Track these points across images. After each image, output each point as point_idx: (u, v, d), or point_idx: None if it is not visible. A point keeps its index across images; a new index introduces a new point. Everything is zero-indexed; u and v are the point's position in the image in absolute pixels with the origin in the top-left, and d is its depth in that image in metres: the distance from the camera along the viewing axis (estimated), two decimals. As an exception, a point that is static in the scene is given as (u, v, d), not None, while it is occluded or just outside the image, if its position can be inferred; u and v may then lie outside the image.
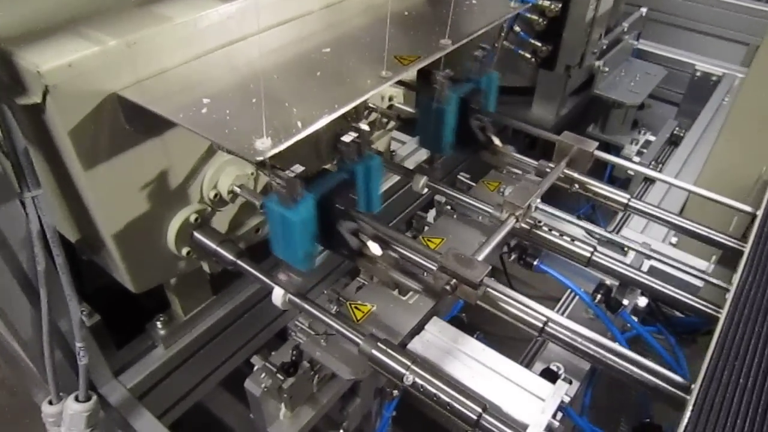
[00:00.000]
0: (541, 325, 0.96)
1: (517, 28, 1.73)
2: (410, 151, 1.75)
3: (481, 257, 0.92)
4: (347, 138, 0.94)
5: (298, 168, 0.86)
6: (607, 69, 1.90)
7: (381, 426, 1.60)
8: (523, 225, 1.12)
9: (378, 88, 0.89)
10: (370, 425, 1.60)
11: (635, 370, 0.89)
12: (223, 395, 1.97)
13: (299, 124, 0.80)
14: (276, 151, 0.74)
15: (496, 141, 1.22)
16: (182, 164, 1.06)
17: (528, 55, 1.75)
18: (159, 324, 1.24)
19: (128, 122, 0.93)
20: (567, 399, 0.92)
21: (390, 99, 1.44)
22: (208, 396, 1.96)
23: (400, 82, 1.32)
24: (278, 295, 0.99)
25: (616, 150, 2.12)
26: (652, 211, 1.20)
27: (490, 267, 0.86)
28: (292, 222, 0.87)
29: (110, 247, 1.02)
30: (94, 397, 1.06)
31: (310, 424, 1.30)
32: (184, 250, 1.12)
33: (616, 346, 0.93)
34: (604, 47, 1.91)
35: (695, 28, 2.74)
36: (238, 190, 1.12)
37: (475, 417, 0.83)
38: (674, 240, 1.57)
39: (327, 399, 1.31)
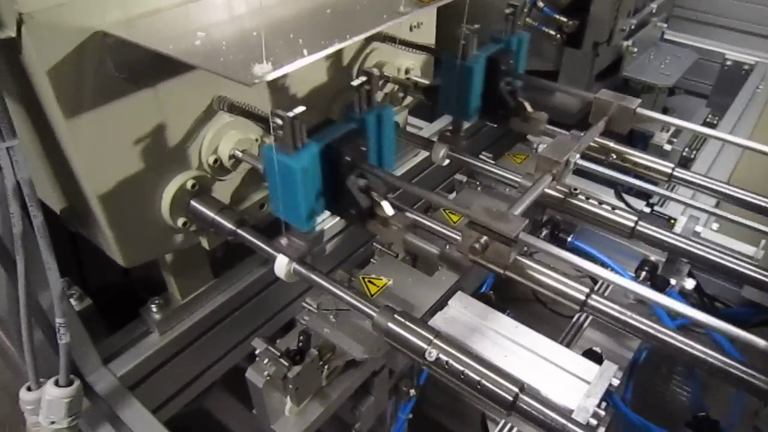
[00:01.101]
0: (583, 297, 0.83)
1: (540, 3, 1.63)
2: (428, 135, 1.65)
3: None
4: (356, 82, 0.83)
5: (300, 109, 0.75)
6: (636, 50, 1.79)
7: (396, 429, 1.46)
8: (557, 192, 1.00)
9: (395, 20, 0.78)
10: (385, 428, 1.47)
11: (700, 347, 0.76)
12: (226, 399, 1.85)
13: (305, 51, 0.69)
14: (278, 74, 0.64)
15: (528, 106, 1.10)
16: (178, 122, 0.96)
17: (552, 32, 1.64)
18: (154, 307, 1.13)
19: (117, 68, 0.83)
20: (616, 382, 0.79)
21: (407, 71, 1.34)
22: (210, 398, 1.85)
23: (421, 48, 1.21)
24: (281, 265, 0.88)
25: (644, 139, 2.00)
26: (699, 181, 1.07)
27: (527, 221, 0.74)
28: (292, 170, 0.76)
29: (97, 212, 0.92)
30: (77, 382, 0.94)
31: (319, 422, 1.17)
32: (180, 221, 1.01)
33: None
34: (632, 27, 1.80)
35: (722, 23, 2.64)
36: (240, 154, 1.02)
37: (510, 398, 0.70)
38: (715, 226, 1.43)
39: (337, 394, 1.18)
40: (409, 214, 0.86)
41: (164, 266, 1.12)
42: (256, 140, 1.06)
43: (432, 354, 0.74)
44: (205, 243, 1.09)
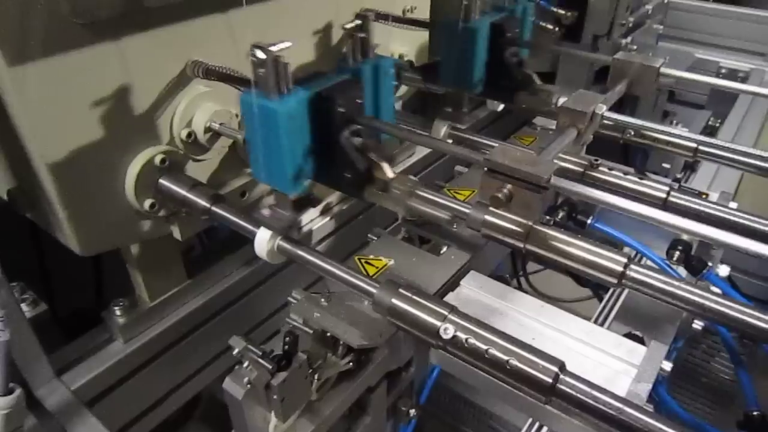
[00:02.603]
0: (621, 268, 0.70)
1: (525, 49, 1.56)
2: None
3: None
4: (349, 25, 0.72)
5: (285, 44, 0.64)
6: (635, 47, 1.72)
7: (396, 454, 1.30)
8: (576, 165, 0.89)
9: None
10: (383, 453, 1.31)
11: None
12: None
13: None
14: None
15: (536, 78, 1.00)
16: (145, 87, 0.84)
17: (550, 26, 1.57)
18: (117, 310, 0.98)
19: (73, 11, 0.72)
20: (668, 366, 0.66)
21: (400, 58, 1.24)
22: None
23: (416, 23, 1.11)
24: (263, 241, 0.75)
25: (643, 156, 1.92)
26: (726, 153, 0.96)
27: (558, 165, 0.62)
28: (275, 115, 0.64)
29: (47, 187, 0.79)
30: (18, 391, 0.78)
31: (309, 443, 1.01)
32: (147, 202, 0.88)
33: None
34: (630, 25, 1.74)
35: (714, 42, 2.61)
36: (216, 126, 0.90)
37: (549, 379, 0.56)
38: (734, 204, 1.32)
39: (330, 411, 1.03)
40: (411, 177, 0.74)
41: (130, 261, 0.98)
42: (236, 115, 0.94)
43: (448, 331, 0.60)
44: (176, 233, 0.96)
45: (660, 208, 0.87)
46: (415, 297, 0.64)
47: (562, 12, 1.54)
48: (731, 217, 0.82)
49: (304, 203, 1.33)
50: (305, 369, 0.95)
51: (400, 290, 0.65)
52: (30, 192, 0.84)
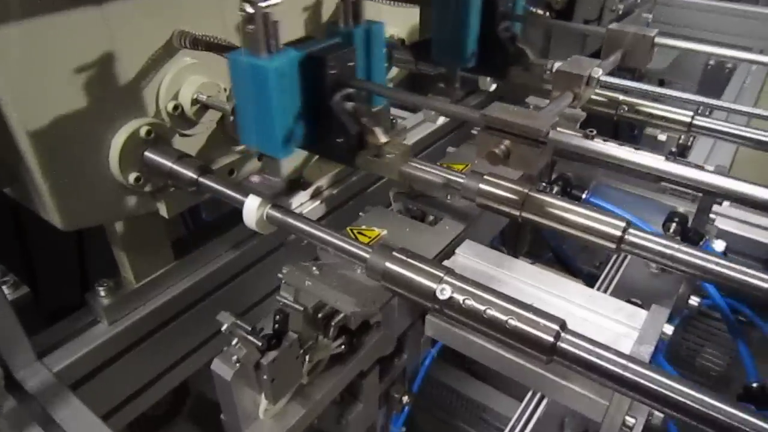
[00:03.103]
0: (619, 233, 0.69)
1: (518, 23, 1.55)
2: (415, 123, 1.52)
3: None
4: (342, -14, 0.71)
5: (275, 0, 0.62)
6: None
7: (389, 442, 1.28)
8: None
9: None
10: (375, 441, 1.28)
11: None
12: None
13: None
14: None
15: (530, 53, 0.99)
16: (130, 56, 0.81)
17: (541, 11, 1.56)
18: (102, 291, 0.95)
19: (54, -28, 0.69)
20: (669, 329, 0.64)
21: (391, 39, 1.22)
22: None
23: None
24: (251, 209, 0.72)
25: (633, 133, 1.91)
26: (721, 127, 0.96)
27: (557, 119, 0.60)
28: (265, 73, 0.62)
29: (28, 157, 0.76)
30: (-4, 370, 0.75)
31: (299, 429, 0.99)
32: (132, 176, 0.85)
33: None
34: (620, 12, 1.74)
35: (701, 36, 2.63)
36: (203, 97, 0.87)
37: (550, 338, 0.54)
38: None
39: (321, 395, 1.01)
40: (405, 141, 0.72)
41: (114, 240, 0.95)
42: (225, 89, 0.92)
43: (445, 291, 0.58)
44: (163, 210, 0.93)
45: (655, 180, 0.86)
46: (409, 260, 0.62)
47: (550, 19, 1.54)
48: (729, 186, 0.81)
49: (294, 186, 1.31)
50: (296, 349, 0.93)
51: (394, 253, 0.63)
52: (11, 165, 0.81)
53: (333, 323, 0.98)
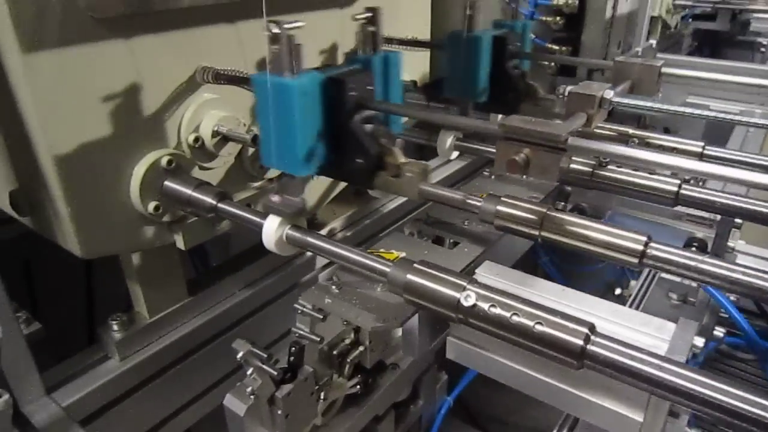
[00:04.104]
0: (641, 247, 0.68)
1: (532, 35, 1.62)
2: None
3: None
4: (359, 17, 0.74)
5: (298, 23, 0.65)
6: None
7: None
8: (584, 165, 0.89)
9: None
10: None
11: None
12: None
13: None
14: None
15: (540, 90, 1.02)
16: (155, 88, 0.84)
17: (545, 63, 1.62)
18: (115, 325, 0.94)
19: (90, 6, 0.73)
20: (700, 342, 0.63)
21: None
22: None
23: (419, 44, 1.15)
24: (271, 230, 0.72)
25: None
26: (732, 156, 0.97)
27: (576, 127, 0.61)
28: (290, 91, 0.64)
29: (51, 182, 0.77)
30: (5, 397, 0.73)
31: (315, 472, 0.95)
32: (151, 205, 0.86)
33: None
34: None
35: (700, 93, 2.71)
36: (224, 129, 0.90)
37: (580, 342, 0.53)
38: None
39: (337, 435, 0.97)
40: (422, 162, 0.73)
41: (130, 273, 0.95)
42: (244, 124, 0.95)
43: (469, 298, 0.57)
44: (180, 242, 0.94)
45: (671, 204, 0.87)
46: (431, 271, 0.61)
47: (557, 47, 1.60)
48: (745, 205, 0.81)
49: (308, 227, 1.32)
50: (311, 383, 0.90)
51: (415, 265, 0.62)
52: (32, 193, 0.83)
53: (348, 360, 0.96)
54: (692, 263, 0.66)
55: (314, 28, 1.05)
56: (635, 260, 0.69)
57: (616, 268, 2.08)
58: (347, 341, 0.96)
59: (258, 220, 0.75)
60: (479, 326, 0.58)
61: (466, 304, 0.57)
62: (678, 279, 1.03)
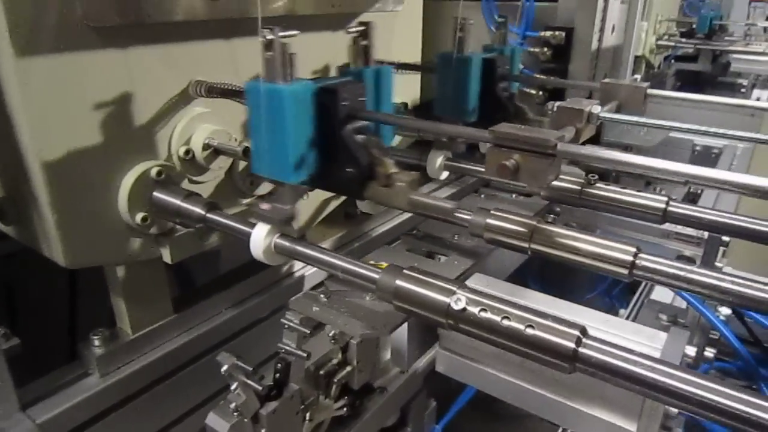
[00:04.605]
0: (630, 258, 0.68)
1: (520, 66, 1.66)
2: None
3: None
4: (352, 30, 0.76)
5: (293, 32, 0.66)
6: (616, 115, 1.81)
7: None
8: (573, 183, 0.90)
9: None
10: None
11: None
12: None
13: None
14: None
15: (528, 111, 1.04)
16: (147, 99, 0.85)
17: (533, 91, 1.65)
18: (96, 340, 0.91)
19: (86, 14, 0.74)
20: (691, 351, 0.62)
21: (393, 108, 1.28)
22: None
23: (408, 66, 1.17)
24: (259, 239, 0.72)
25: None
26: (721, 176, 0.98)
27: (564, 134, 0.62)
28: (282, 97, 0.65)
29: (39, 190, 0.76)
30: (-22, 408, 0.70)
31: (300, 498, 0.91)
32: (139, 216, 0.85)
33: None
34: (609, 97, 1.84)
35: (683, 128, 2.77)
36: (215, 142, 0.90)
37: (572, 344, 0.52)
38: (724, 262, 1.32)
39: (323, 459, 0.94)
40: (411, 172, 0.73)
41: (114, 287, 0.93)
42: (235, 139, 0.95)
43: (460, 301, 0.56)
44: (166, 255, 0.92)
45: (660, 221, 0.87)
46: (421, 276, 0.61)
47: (545, 77, 1.63)
48: (733, 222, 0.82)
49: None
50: (297, 402, 0.89)
51: (405, 271, 0.62)
52: (19, 200, 0.82)
53: (335, 380, 0.94)
54: (681, 273, 0.66)
55: (307, 50, 1.07)
56: (625, 271, 0.69)
57: (605, 299, 2.07)
58: (334, 361, 0.94)
59: (246, 229, 0.75)
60: (470, 331, 0.57)
61: (456, 307, 0.56)
62: (668, 301, 1.03)
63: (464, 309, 0.56)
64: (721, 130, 1.02)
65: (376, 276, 0.63)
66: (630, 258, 0.68)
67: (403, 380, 1.07)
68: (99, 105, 0.79)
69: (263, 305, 1.14)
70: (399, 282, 0.61)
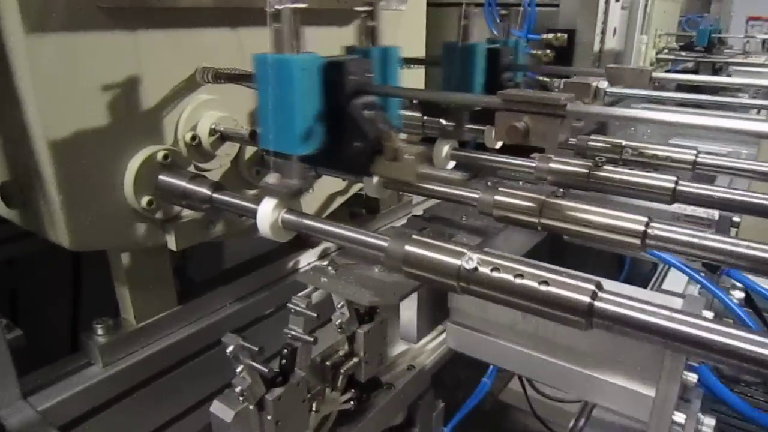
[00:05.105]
0: (642, 227, 0.67)
1: (520, 72, 1.67)
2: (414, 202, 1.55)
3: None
4: (361, 8, 0.76)
5: (300, 4, 0.66)
6: (618, 122, 1.81)
7: None
8: (581, 167, 0.90)
9: None
10: None
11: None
12: None
13: None
14: None
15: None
16: (155, 83, 0.85)
17: (545, 78, 1.66)
18: (99, 329, 0.90)
19: (97, -5, 0.75)
20: (710, 316, 0.60)
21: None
22: None
23: (412, 60, 1.18)
24: (266, 213, 0.71)
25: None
26: (725, 162, 0.98)
27: (573, 95, 0.62)
28: (290, 66, 0.65)
29: (45, 169, 0.76)
30: (-21, 388, 0.69)
31: (306, 493, 0.89)
32: (145, 199, 0.85)
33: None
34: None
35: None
36: (221, 127, 0.90)
37: (587, 299, 0.51)
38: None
39: (331, 451, 0.92)
40: (420, 146, 0.73)
41: (119, 275, 0.92)
42: (241, 126, 0.95)
43: (471, 261, 0.55)
44: (171, 242, 0.91)
45: (669, 201, 0.87)
46: (429, 240, 0.60)
47: (548, 79, 1.64)
48: (745, 199, 0.81)
49: (301, 245, 1.30)
50: (303, 389, 0.86)
51: (414, 236, 0.61)
52: (24, 184, 0.82)
53: (342, 371, 0.92)
54: (696, 240, 0.65)
55: (311, 44, 1.08)
56: (638, 241, 0.68)
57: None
58: (341, 352, 0.92)
59: (253, 206, 0.74)
60: (482, 293, 0.56)
61: (467, 266, 0.55)
62: (680, 290, 1.02)
63: (476, 269, 0.55)
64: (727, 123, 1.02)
65: (384, 244, 0.63)
66: (642, 228, 0.67)
67: (410, 377, 1.05)
68: (107, 86, 0.79)
69: (267, 301, 1.13)
70: (408, 247, 0.60)
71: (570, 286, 0.52)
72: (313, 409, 0.90)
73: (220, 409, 0.82)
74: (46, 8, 0.71)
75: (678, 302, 0.64)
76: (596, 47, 1.59)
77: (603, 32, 1.59)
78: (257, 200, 0.75)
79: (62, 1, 0.72)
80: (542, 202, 0.74)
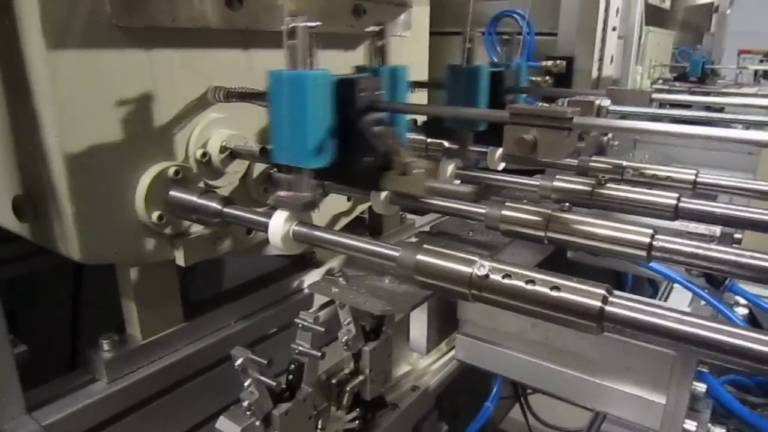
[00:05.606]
0: (647, 239, 0.69)
1: (523, 95, 1.71)
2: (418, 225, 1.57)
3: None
4: (370, 29, 0.79)
5: (314, 22, 0.69)
6: (616, 143, 1.84)
7: None
8: (584, 185, 0.91)
9: None
10: None
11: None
12: None
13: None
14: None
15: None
16: (168, 101, 0.87)
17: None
18: (105, 344, 0.90)
19: (114, 14, 0.77)
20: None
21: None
22: None
23: (416, 84, 1.21)
24: (277, 226, 0.72)
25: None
26: (725, 182, 1.00)
27: (579, 108, 0.64)
28: (304, 81, 0.67)
29: (58, 182, 0.77)
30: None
31: None
32: (155, 214, 0.86)
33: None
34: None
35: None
36: (232, 144, 0.92)
37: (598, 303, 0.52)
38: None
39: (337, 470, 0.91)
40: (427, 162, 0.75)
41: (126, 290, 0.92)
42: (252, 145, 0.97)
43: (483, 267, 0.56)
44: (180, 258, 0.92)
45: (672, 217, 0.88)
46: (441, 249, 0.61)
47: (547, 106, 1.68)
48: (744, 214, 0.83)
49: (306, 264, 1.31)
50: (310, 405, 0.86)
51: (425, 246, 0.62)
52: (36, 197, 0.83)
53: (347, 389, 0.92)
54: (700, 251, 0.66)
55: (322, 66, 1.11)
56: (643, 252, 0.69)
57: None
58: (346, 370, 0.92)
59: (264, 220, 0.75)
60: (494, 300, 0.56)
61: (479, 273, 0.56)
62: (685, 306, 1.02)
63: (487, 276, 0.56)
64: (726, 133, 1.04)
65: (396, 254, 0.64)
66: (647, 239, 0.69)
67: (415, 397, 1.04)
68: (121, 102, 0.81)
69: (274, 319, 1.13)
70: (420, 256, 0.61)
71: (581, 291, 0.53)
72: (319, 426, 0.90)
73: (226, 425, 0.81)
74: (66, 25, 0.73)
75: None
76: (594, 74, 1.63)
77: (601, 59, 1.64)
78: (267, 214, 0.76)
79: (82, 19, 0.75)
80: (549, 215, 0.75)
